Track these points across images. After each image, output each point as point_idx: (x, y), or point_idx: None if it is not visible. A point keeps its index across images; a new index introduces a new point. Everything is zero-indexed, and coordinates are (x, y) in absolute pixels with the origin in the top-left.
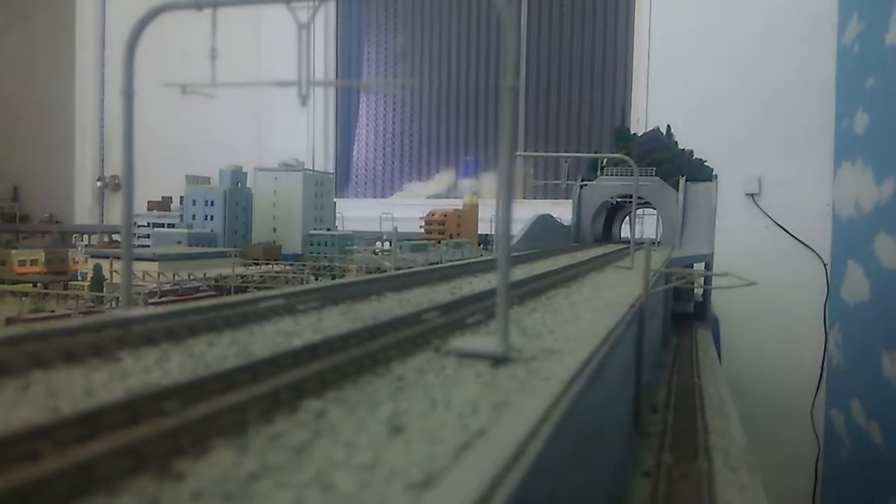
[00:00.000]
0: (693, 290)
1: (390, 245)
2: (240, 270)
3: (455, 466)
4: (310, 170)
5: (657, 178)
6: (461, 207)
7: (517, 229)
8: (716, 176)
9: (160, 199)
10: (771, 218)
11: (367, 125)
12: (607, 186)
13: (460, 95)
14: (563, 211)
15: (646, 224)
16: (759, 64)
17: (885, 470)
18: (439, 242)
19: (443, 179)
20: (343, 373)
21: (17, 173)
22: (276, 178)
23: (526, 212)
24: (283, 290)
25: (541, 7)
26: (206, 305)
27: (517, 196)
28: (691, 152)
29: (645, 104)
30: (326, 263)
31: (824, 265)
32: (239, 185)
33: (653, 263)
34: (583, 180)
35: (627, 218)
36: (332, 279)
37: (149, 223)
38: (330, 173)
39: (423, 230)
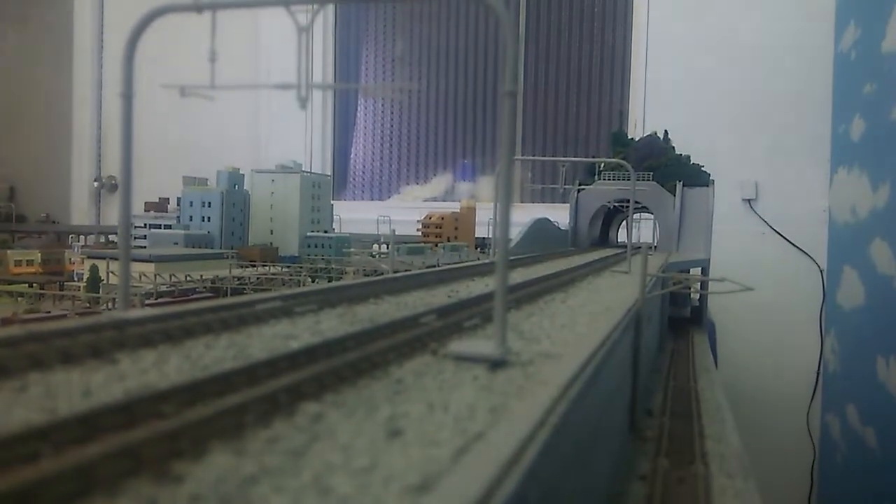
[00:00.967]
0: (690, 294)
1: (387, 248)
2: (236, 272)
3: (453, 470)
4: (307, 172)
5: (654, 182)
6: (458, 211)
7: (514, 233)
8: (712, 181)
9: (157, 201)
10: (767, 223)
11: (365, 128)
12: (604, 191)
13: (458, 99)
14: (560, 215)
15: (643, 229)
16: (757, 70)
17: (881, 475)
18: (436, 245)
19: (440, 183)
20: (341, 376)
21: (14, 173)
22: (273, 180)
23: (523, 215)
24: (281, 292)
25: (539, 12)
26: (204, 307)
27: (514, 200)
28: (688, 157)
29: (642, 109)
30: (323, 266)
31: (820, 271)
32: (236, 186)
33: (649, 268)
34: (580, 185)
35: (624, 222)
36: (330, 281)
37: (145, 224)
38: (328, 175)
39: (420, 233)
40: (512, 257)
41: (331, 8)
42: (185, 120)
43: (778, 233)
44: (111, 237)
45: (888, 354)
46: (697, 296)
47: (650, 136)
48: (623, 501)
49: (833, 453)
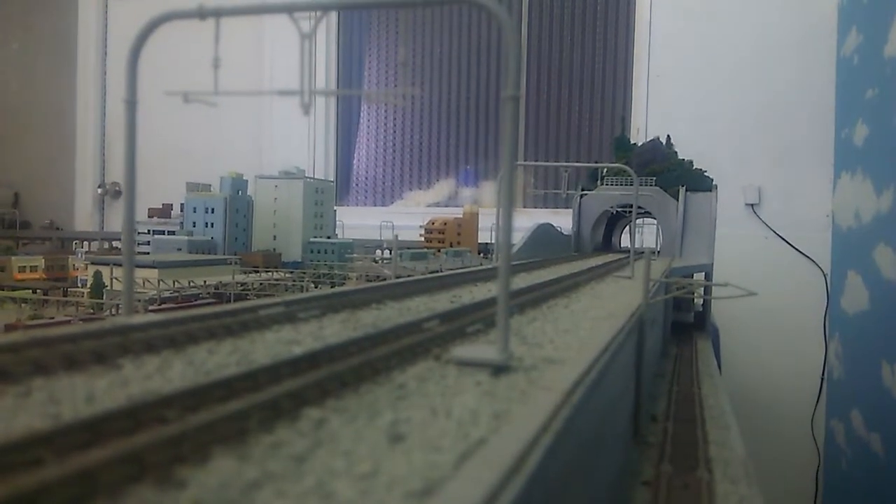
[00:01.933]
0: (693, 300)
1: (390, 253)
2: (240, 278)
3: (455, 476)
4: (310, 178)
5: (657, 187)
6: (461, 216)
7: (517, 238)
8: (716, 186)
9: (161, 206)
10: (771, 228)
11: (368, 134)
12: (607, 196)
13: (460, 105)
14: (562, 220)
15: (646, 234)
16: (760, 75)
17: (886, 480)
18: (439, 251)
19: (443, 188)
20: (343, 381)
21: (18, 180)
22: (276, 186)
23: (525, 221)
24: (284, 297)
25: (541, 18)
26: (207, 313)
27: (517, 205)
28: (691, 162)
29: (645, 114)
30: (326, 271)
31: (824, 275)
32: (239, 192)
33: (652, 273)
34: (583, 190)
35: (627, 227)
36: (332, 287)
37: (149, 230)
38: (330, 181)
39: (422, 238)
40: (514, 262)
41: (333, 14)
42: (188, 126)
43: (781, 237)
44: (115, 243)
45: (893, 359)
46: (700, 301)
47: (653, 141)
48: None
49: (838, 459)
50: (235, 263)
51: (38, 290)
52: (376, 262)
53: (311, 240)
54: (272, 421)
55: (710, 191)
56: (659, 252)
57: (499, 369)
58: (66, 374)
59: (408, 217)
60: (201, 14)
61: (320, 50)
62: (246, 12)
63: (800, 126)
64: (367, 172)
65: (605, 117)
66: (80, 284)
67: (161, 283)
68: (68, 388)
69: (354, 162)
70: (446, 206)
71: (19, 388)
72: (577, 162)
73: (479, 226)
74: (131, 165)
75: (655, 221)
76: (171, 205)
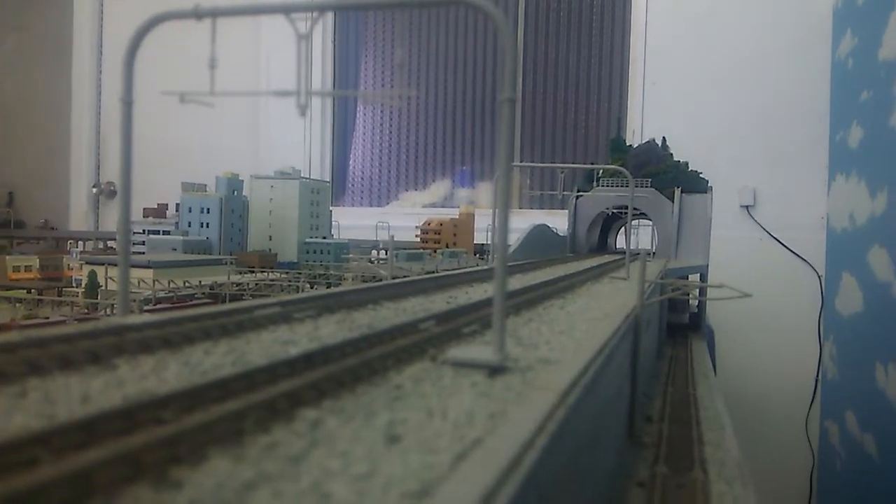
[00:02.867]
0: (688, 301)
1: (386, 254)
2: (235, 278)
3: (451, 476)
4: (306, 178)
5: (653, 189)
6: (457, 217)
7: (512, 239)
8: (711, 188)
9: (156, 206)
10: (766, 230)
11: (364, 134)
12: (603, 197)
13: (457, 106)
14: (558, 222)
15: (641, 235)
16: (755, 77)
17: (880, 481)
18: (435, 252)
19: (439, 189)
20: (340, 382)
21: (12, 179)
22: (272, 186)
23: (521, 222)
24: (280, 298)
25: (538, 20)
26: (202, 313)
27: (513, 206)
28: (686, 164)
29: (640, 116)
30: (322, 272)
31: (819, 277)
32: (235, 192)
33: (648, 275)
34: (579, 191)
35: (623, 229)
36: (328, 287)
37: (144, 230)
38: (326, 181)
39: (419, 239)
40: (510, 263)
41: (330, 15)
42: (184, 126)
43: (776, 239)
44: (110, 243)
45: (887, 361)
46: (696, 302)
47: (648, 142)
48: None
49: (832, 460)
50: (231, 263)
51: (32, 290)
52: (372, 262)
53: (307, 240)
54: (268, 422)
55: (706, 192)
56: (654, 253)
57: (495, 370)
58: (62, 375)
59: (404, 218)
60: (197, 14)
61: (317, 50)
62: (242, 13)
63: (795, 129)
64: (363, 173)
65: (601, 119)
66: (74, 284)
67: (156, 283)
68: (63, 388)
69: (350, 162)
70: (442, 206)
71: (14, 389)
72: (573, 163)
73: (476, 226)
74: (127, 165)
75: (651, 223)
76: (167, 205)
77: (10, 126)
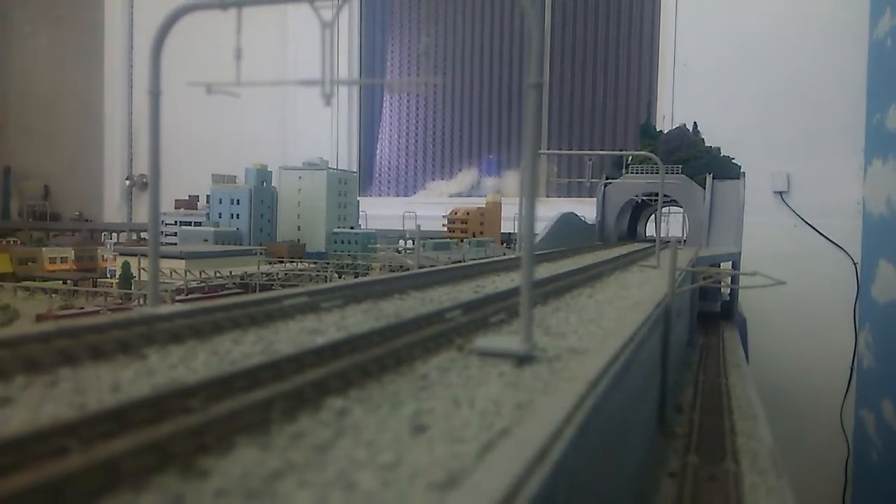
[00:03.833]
0: (720, 289)
1: (413, 243)
2: (265, 268)
3: (478, 467)
4: (333, 168)
5: (683, 175)
6: (484, 206)
7: (540, 227)
8: (744, 173)
9: (187, 198)
10: (800, 216)
11: (391, 124)
12: (632, 184)
13: (483, 94)
14: (586, 210)
15: (672, 222)
16: (789, 59)
17: None
18: (462, 241)
19: (465, 178)
20: (366, 371)
21: (48, 172)
22: (300, 177)
23: (549, 210)
24: (308, 287)
25: (565, 4)
26: (232, 303)
27: (540, 194)
28: (718, 149)
29: (671, 101)
30: (350, 262)
31: (854, 264)
32: (264, 183)
33: (679, 263)
34: (607, 178)
35: (653, 216)
36: (356, 277)
37: (176, 221)
38: (353, 172)
39: (445, 228)
40: (538, 252)
41: (356, 3)
42: (213, 118)
43: (811, 226)
44: (143, 234)
45: None
46: (728, 290)
47: (679, 128)
48: (653, 499)
49: (868, 450)
50: (260, 254)
51: (68, 281)
52: (399, 252)
53: (335, 230)
54: (295, 411)
55: (738, 178)
56: (685, 241)
57: (522, 360)
58: (93, 364)
59: (431, 207)
60: (224, 4)
61: (343, 39)
62: (267, 2)
63: (830, 112)
64: (389, 162)
65: (631, 104)
66: (108, 275)
67: (188, 273)
68: (94, 378)
69: (377, 152)
70: (469, 195)
71: (47, 378)
72: (601, 150)
73: (503, 215)
74: (156, 157)
75: (682, 210)
76: (198, 196)
77: (45, 120)
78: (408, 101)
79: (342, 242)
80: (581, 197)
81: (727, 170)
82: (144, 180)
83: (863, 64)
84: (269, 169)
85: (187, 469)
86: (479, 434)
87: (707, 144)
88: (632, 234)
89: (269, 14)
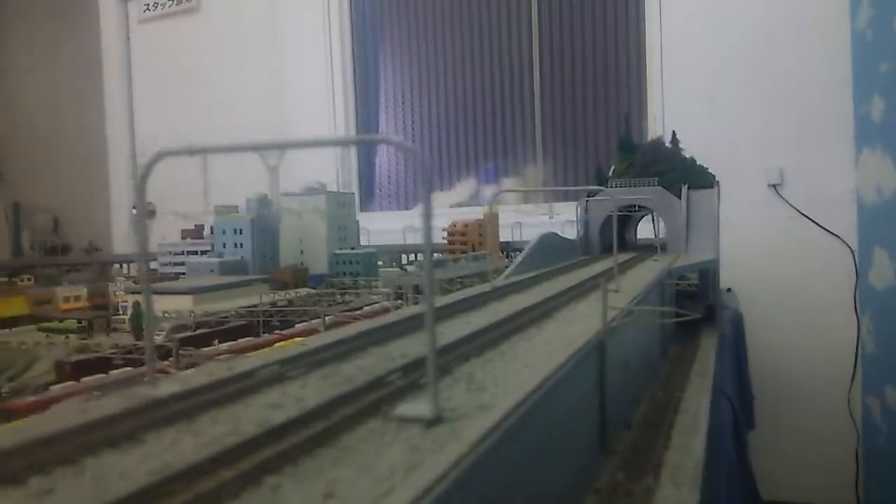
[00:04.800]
0: (706, 293)
1: (415, 258)
2: (266, 299)
3: None
4: (332, 191)
5: (660, 187)
6: (482, 217)
7: (532, 234)
8: (717, 182)
9: (193, 228)
10: (795, 207)
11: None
12: (612, 198)
13: (478, 102)
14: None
15: (660, 228)
16: (776, 53)
17: None
18: (458, 258)
19: (465, 188)
20: (303, 448)
21: (56, 205)
22: (300, 203)
23: (546, 216)
24: (278, 355)
25: (550, 11)
26: (210, 382)
27: (536, 201)
28: (693, 160)
29: (661, 100)
30: (351, 285)
31: (852, 252)
32: (265, 211)
33: (651, 275)
34: (588, 194)
35: (638, 224)
36: (358, 297)
37: (183, 251)
38: (351, 193)
39: (445, 241)
40: (511, 280)
41: (346, 18)
42: (213, 157)
43: (806, 216)
44: (152, 265)
45: None
46: (714, 294)
47: (654, 141)
48: None
49: (875, 436)
50: (263, 283)
51: (83, 321)
52: (403, 269)
53: (336, 251)
54: (241, 490)
55: (712, 187)
56: (663, 248)
57: (430, 423)
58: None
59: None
60: (191, 151)
61: (335, 44)
62: (235, 150)
63: (819, 103)
64: (389, 177)
65: (622, 105)
66: (121, 311)
67: (195, 310)
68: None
69: (377, 166)
70: (468, 205)
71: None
72: (595, 153)
73: (501, 223)
74: (147, 285)
75: (661, 221)
76: (203, 225)
77: (49, 153)
78: (404, 113)
79: (344, 263)
80: (577, 201)
81: (701, 179)
82: (151, 209)
83: (847, 56)
84: (269, 197)
85: None
86: (371, 494)
87: (683, 155)
88: (620, 243)
89: (266, 51)
